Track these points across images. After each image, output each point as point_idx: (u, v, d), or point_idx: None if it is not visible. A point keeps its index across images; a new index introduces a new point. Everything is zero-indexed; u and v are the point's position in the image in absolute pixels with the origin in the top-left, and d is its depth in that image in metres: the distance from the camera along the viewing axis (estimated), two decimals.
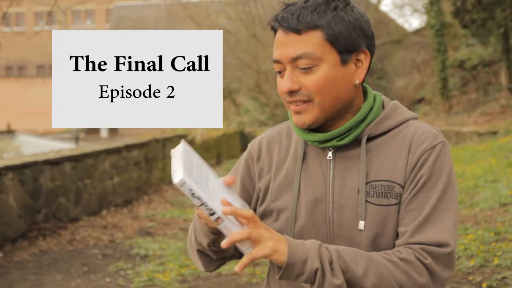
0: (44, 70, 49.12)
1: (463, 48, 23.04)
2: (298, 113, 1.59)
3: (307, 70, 1.55)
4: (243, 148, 18.46)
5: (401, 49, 26.13)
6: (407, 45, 26.31)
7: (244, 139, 18.88)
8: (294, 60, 1.55)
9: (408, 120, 1.64)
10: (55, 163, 8.10)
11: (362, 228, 1.56)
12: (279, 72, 1.60)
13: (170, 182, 12.25)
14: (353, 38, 1.56)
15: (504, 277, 4.93)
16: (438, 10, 20.85)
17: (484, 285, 4.86)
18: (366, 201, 1.57)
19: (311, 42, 1.54)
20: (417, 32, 27.10)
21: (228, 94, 23.13)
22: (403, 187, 1.57)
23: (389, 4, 75.15)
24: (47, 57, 48.22)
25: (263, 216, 1.71)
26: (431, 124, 3.61)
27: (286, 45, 1.55)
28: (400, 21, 44.07)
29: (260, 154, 1.74)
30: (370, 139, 1.62)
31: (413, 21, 78.25)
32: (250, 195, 1.75)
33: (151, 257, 6.63)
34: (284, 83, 1.57)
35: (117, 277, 5.99)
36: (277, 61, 1.59)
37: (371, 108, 1.63)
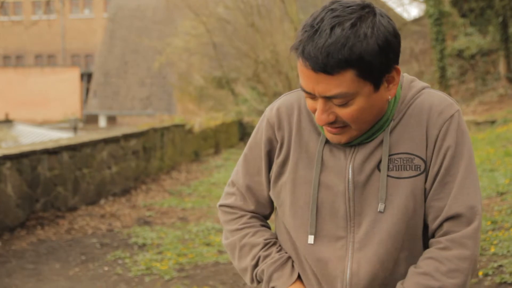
0: (42, 60, 48.98)
1: (462, 37, 23.00)
2: (334, 133, 1.58)
3: (342, 105, 1.50)
4: (242, 137, 18.55)
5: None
6: (406, 34, 26.24)
7: (242, 129, 18.87)
8: (327, 97, 1.49)
9: (421, 90, 1.64)
10: (53, 152, 8.10)
11: (382, 211, 1.57)
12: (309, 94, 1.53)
13: (168, 171, 12.26)
14: (385, 64, 1.48)
15: (500, 265, 4.95)
16: None
17: (480, 273, 4.87)
18: (387, 175, 1.58)
19: (344, 82, 1.46)
20: (416, 21, 27.04)
21: (226, 83, 23.10)
22: (422, 159, 1.58)
23: None
24: (45, 46, 48.11)
25: (284, 187, 1.69)
26: None
27: (316, 82, 1.47)
28: (398, 10, 44.08)
29: (280, 122, 1.71)
30: None
31: (412, 10, 78.29)
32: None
33: (149, 246, 6.64)
34: (319, 118, 1.52)
35: (115, 266, 6.01)
36: (307, 92, 1.52)
37: (395, 98, 1.62)
